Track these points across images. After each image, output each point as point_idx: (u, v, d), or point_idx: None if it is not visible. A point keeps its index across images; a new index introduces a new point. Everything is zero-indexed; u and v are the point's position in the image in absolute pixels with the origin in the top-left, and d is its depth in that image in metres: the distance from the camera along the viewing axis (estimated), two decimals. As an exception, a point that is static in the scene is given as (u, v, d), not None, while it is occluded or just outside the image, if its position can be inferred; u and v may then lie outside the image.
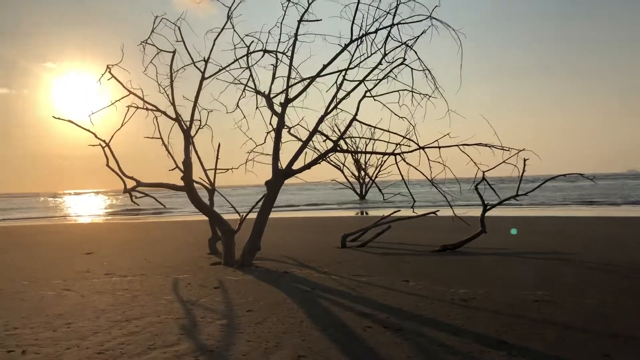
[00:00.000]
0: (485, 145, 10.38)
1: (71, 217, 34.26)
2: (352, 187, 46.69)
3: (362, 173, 46.00)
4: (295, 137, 11.44)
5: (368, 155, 46.27)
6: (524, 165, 10.73)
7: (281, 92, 10.77)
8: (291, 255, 10.31)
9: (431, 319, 5.36)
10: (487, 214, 11.00)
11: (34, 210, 47.05)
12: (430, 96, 10.62)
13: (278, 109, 10.41)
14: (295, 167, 10.13)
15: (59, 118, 10.46)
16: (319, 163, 11.45)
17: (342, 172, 45.68)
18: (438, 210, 12.70)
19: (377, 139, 11.62)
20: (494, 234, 11.33)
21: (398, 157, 10.30)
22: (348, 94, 10.55)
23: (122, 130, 11.78)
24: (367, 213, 29.08)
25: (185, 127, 10.62)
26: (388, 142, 10.76)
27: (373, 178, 45.62)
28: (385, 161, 40.16)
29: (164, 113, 10.86)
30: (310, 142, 11.22)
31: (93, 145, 10.67)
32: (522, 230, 13.79)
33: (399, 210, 13.74)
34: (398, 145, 10.40)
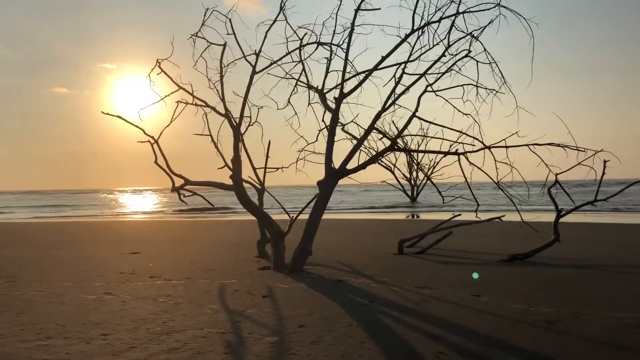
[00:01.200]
0: (559, 145, 9.41)
1: (123, 215, 34.77)
2: (403, 189, 45.58)
3: (415, 174, 44.87)
4: (350, 134, 10.77)
5: (421, 156, 45.17)
6: (604, 167, 9.67)
7: (335, 87, 10.12)
8: (344, 261, 9.62)
9: (513, 346, 4.54)
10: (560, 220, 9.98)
11: (90, 207, 48.32)
12: (497, 91, 9.72)
13: (332, 105, 9.75)
14: (348, 167, 9.45)
15: (107, 113, 10.18)
16: (376, 163, 10.71)
17: (393, 173, 44.68)
18: (504, 215, 11.73)
19: (439, 138, 10.73)
20: (567, 243, 10.27)
21: (461, 157, 9.45)
22: (407, 88, 9.77)
23: (172, 127, 11.41)
24: (418, 216, 28.07)
25: (234, 124, 10.11)
26: (449, 140, 9.93)
27: (427, 179, 44.34)
28: (437, 162, 38.87)
29: (214, 109, 10.40)
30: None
31: (142, 142, 10.31)
32: (601, 240, 12.56)
33: (459, 215, 12.82)
34: (462, 145, 9.54)
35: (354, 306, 6.06)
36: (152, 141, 10.12)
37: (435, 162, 41.26)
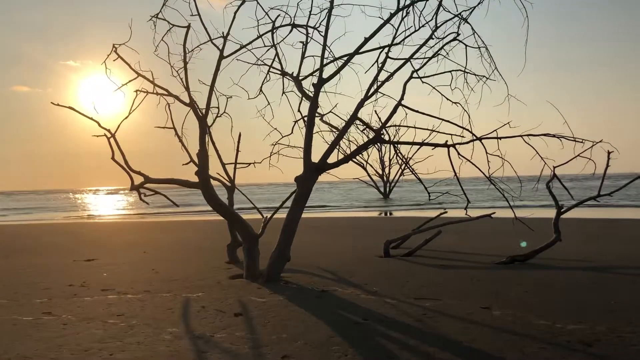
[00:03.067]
0: (554, 135, 8.59)
1: (86, 216, 32.99)
2: (375, 186, 44.88)
3: (388, 170, 44.21)
4: (330, 125, 9.75)
5: (392, 152, 44.47)
6: (608, 159, 8.90)
7: (312, 73, 9.10)
8: (326, 266, 8.58)
9: (556, 379, 3.59)
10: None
11: (52, 209, 46.13)
12: (488, 78, 8.88)
13: (310, 93, 8.72)
14: (329, 161, 8.43)
15: (57, 104, 8.93)
16: (360, 155, 9.72)
17: (366, 170, 43.94)
18: (494, 213, 10.89)
19: (427, 129, 9.78)
20: (567, 242, 9.43)
21: (451, 149, 8.55)
22: (392, 74, 8.80)
23: (133, 120, 10.21)
24: (391, 213, 27.28)
25: (200, 115, 8.97)
26: (438, 132, 9.01)
27: (398, 176, 43.74)
28: (410, 158, 38.17)
29: (177, 98, 9.22)
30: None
31: (97, 136, 9.08)
32: (603, 237, 11.82)
33: (446, 212, 11.95)
34: (450, 136, 8.63)
35: (345, 326, 5.03)
36: (109, 135, 8.91)
37: (407, 159, 40.62)
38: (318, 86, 8.61)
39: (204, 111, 9.03)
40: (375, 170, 44.91)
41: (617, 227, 14.49)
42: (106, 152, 8.86)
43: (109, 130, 8.86)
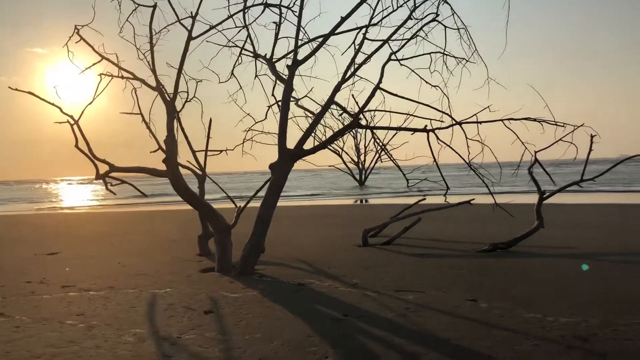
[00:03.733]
0: (535, 120, 8.35)
1: (53, 207, 31.97)
2: (351, 173, 44.66)
3: (363, 158, 44.02)
4: (306, 109, 9.36)
5: (368, 139, 44.25)
6: (591, 142, 8.70)
7: (287, 55, 8.69)
8: (303, 257, 8.22)
9: (554, 381, 3.29)
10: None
11: (17, 200, 44.72)
12: (467, 60, 8.60)
13: (284, 76, 8.31)
14: (305, 147, 8.06)
15: (15, 89, 8.34)
16: (335, 142, 9.35)
17: (341, 157, 43.66)
18: (473, 199, 10.66)
19: (405, 114, 9.44)
20: (549, 228, 9.21)
21: (430, 134, 8.26)
22: (369, 56, 8.42)
23: (100, 108, 9.69)
24: (367, 201, 27.07)
25: (168, 99, 8.48)
26: (417, 117, 8.69)
27: (374, 163, 43.62)
28: (387, 144, 37.94)
29: (143, 81, 8.73)
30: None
31: (60, 123, 8.51)
32: (585, 224, 11.68)
33: (424, 199, 11.68)
34: (430, 121, 8.33)
35: (324, 323, 4.67)
36: (72, 121, 8.35)
37: (382, 146, 40.38)
38: (292, 68, 8.20)
39: (172, 95, 8.55)
40: (351, 158, 44.69)
41: (600, 213, 14.34)
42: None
43: (71, 117, 8.31)
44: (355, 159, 44.78)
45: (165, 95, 8.60)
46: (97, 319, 5.07)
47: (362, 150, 44.70)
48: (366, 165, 44.78)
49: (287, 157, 7.81)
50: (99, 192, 49.54)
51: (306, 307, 5.23)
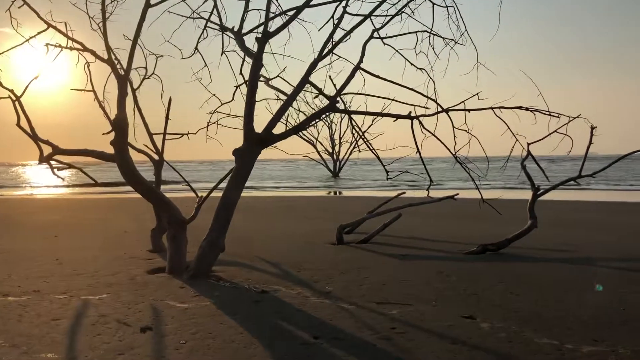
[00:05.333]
0: (527, 109, 7.55)
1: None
2: (325, 164, 43.78)
3: (338, 148, 43.16)
4: (277, 90, 8.33)
5: (343, 130, 43.38)
6: (591, 135, 7.90)
7: (257, 27, 7.70)
8: (270, 256, 7.23)
9: None
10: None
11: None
12: (456, 42, 7.78)
13: (253, 51, 7.32)
14: (275, 131, 7.09)
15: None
16: (312, 126, 8.38)
17: (315, 147, 42.72)
18: (457, 194, 9.83)
19: (388, 98, 8.48)
20: (541, 227, 8.36)
21: (414, 122, 7.40)
22: (349, 32, 7.48)
23: (53, 85, 8.58)
24: (341, 192, 26.22)
25: (121, 73, 7.38)
26: (399, 102, 7.78)
27: (349, 154, 42.78)
28: (366, 131, 37.08)
29: (94, 53, 7.56)
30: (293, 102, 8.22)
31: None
32: (586, 224, 10.88)
33: (404, 193, 10.80)
34: (414, 107, 7.45)
35: (290, 349, 3.70)
36: (13, 97, 7.20)
37: (357, 137, 39.53)
38: (262, 41, 7.17)
39: (125, 69, 7.45)
40: (325, 148, 43.81)
41: (598, 211, 13.57)
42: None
43: (12, 92, 7.16)
44: (330, 150, 43.92)
45: (117, 68, 7.50)
46: (3, 337, 4.00)
47: (337, 141, 43.90)
48: (341, 156, 43.98)
49: (254, 142, 6.81)
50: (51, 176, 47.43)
51: (268, 324, 4.25)
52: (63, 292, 5.36)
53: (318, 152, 42.92)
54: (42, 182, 36.66)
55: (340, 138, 43.76)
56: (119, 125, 7.13)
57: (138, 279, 5.91)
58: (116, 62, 7.53)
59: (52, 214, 13.43)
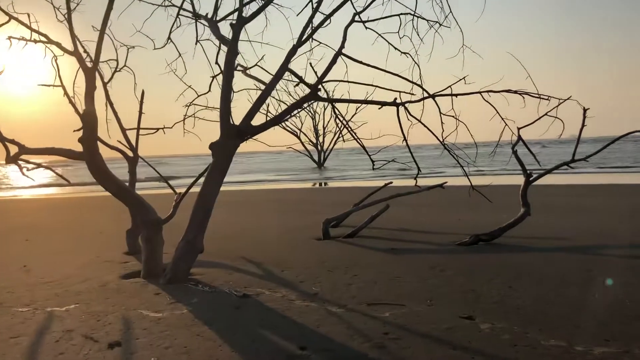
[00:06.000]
0: (516, 92, 7.26)
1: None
2: (309, 155, 43.39)
3: (322, 139, 42.79)
4: (256, 79, 7.92)
5: (327, 120, 42.99)
6: (584, 117, 7.61)
7: (232, 13, 7.31)
8: (253, 254, 6.85)
9: None
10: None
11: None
12: (440, 24, 7.47)
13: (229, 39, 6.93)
14: (254, 122, 6.70)
15: None
16: (294, 116, 8.01)
17: (299, 138, 42.30)
18: (446, 182, 9.52)
19: (371, 85, 8.09)
20: (534, 214, 8.06)
21: (400, 109, 7.07)
22: (329, 16, 7.09)
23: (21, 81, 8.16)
24: (326, 184, 25.85)
25: (88, 66, 6.90)
26: (377, 86, 7.41)
27: (333, 144, 42.45)
28: (350, 120, 36.66)
29: (59, 45, 7.07)
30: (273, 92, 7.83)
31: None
32: (580, 211, 10.54)
33: (391, 182, 10.47)
34: (399, 93, 7.11)
35: (273, 362, 3.34)
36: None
37: (341, 127, 39.11)
38: (237, 27, 6.76)
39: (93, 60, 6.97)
40: (309, 139, 43.41)
41: (592, 195, 13.17)
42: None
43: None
44: (314, 141, 43.52)
45: (85, 60, 7.01)
46: (-47, 359, 3.58)
47: (321, 132, 43.51)
48: (325, 146, 43.62)
49: (232, 135, 6.40)
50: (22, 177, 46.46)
51: (250, 334, 3.87)
52: (27, 304, 4.92)
53: (302, 143, 42.54)
54: (15, 182, 35.73)
55: (324, 128, 43.43)
56: (87, 121, 6.68)
57: (110, 286, 5.49)
58: (85, 54, 7.08)
59: (24, 216, 12.85)
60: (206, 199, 6.10)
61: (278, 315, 4.32)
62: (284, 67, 6.84)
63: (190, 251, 5.80)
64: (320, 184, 26.39)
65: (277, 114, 6.94)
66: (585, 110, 7.48)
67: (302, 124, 42.36)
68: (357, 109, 34.32)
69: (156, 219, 6.29)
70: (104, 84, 7.99)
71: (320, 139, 43.69)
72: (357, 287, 5.07)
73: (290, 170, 41.32)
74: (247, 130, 6.53)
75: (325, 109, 42.41)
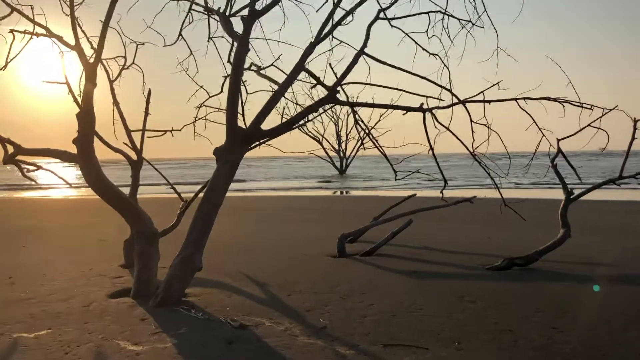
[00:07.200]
0: (556, 100, 6.51)
1: None
2: (331, 161, 42.75)
3: (345, 145, 42.16)
4: (271, 80, 7.28)
5: (350, 126, 42.26)
6: (634, 129, 6.78)
7: (244, 8, 6.75)
8: (258, 273, 6.17)
9: None
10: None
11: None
12: (473, 24, 6.88)
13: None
14: (265, 126, 6.09)
15: None
16: (310, 121, 7.30)
17: (321, 144, 41.71)
18: (475, 197, 8.76)
19: (395, 88, 7.36)
20: (575, 235, 7.20)
21: (427, 115, 6.39)
22: (350, 12, 6.49)
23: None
24: (348, 192, 25.09)
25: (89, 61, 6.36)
26: (402, 90, 6.72)
27: (355, 151, 41.73)
28: (373, 127, 35.99)
29: (60, 39, 6.53)
30: (288, 92, 7.27)
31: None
32: (629, 231, 9.51)
33: (415, 195, 9.72)
34: (426, 98, 6.43)
35: None
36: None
37: (364, 134, 38.39)
38: (249, 21, 6.17)
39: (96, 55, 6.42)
40: (332, 145, 42.78)
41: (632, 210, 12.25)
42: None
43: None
44: (337, 147, 42.89)
45: (85, 55, 6.47)
46: None
47: (344, 138, 42.84)
48: (347, 153, 42.95)
49: (238, 140, 5.78)
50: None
51: (239, 382, 3.19)
52: (-3, 327, 4.32)
53: (324, 149, 41.91)
54: (29, 182, 35.49)
55: (347, 134, 42.73)
56: (83, 121, 6.10)
57: (94, 307, 4.86)
58: (92, 51, 6.58)
59: (27, 219, 12.34)
60: (207, 210, 5.46)
61: (276, 356, 3.62)
62: (300, 67, 6.21)
63: (187, 270, 5.15)
64: (342, 192, 25.65)
65: (290, 117, 6.29)
66: (635, 121, 6.67)
67: (324, 130, 41.79)
68: (381, 116, 33.51)
69: (151, 232, 5.67)
70: (111, 82, 7.49)
71: (343, 145, 43.02)
72: (373, 321, 4.34)
73: (310, 176, 40.67)
74: (255, 135, 5.90)
75: (348, 115, 41.74)
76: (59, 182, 7.43)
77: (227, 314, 4.57)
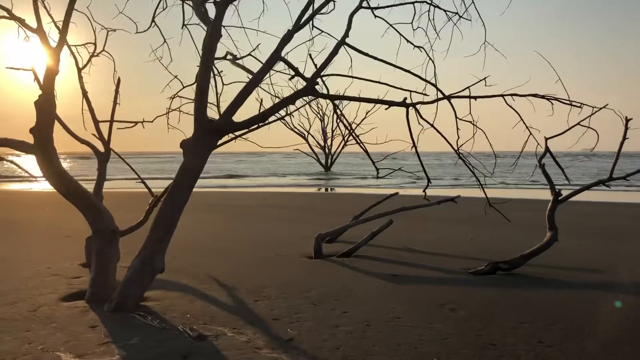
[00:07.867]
0: (544, 97, 6.23)
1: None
2: (317, 158, 42.35)
3: (330, 142, 41.81)
4: (247, 70, 6.90)
5: (335, 123, 41.89)
6: (626, 128, 6.52)
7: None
8: (223, 276, 5.77)
9: None
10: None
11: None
12: (460, 17, 6.60)
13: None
14: (237, 119, 5.71)
15: None
16: (289, 114, 6.93)
17: (307, 140, 41.28)
18: (458, 196, 8.44)
19: (378, 82, 7.01)
20: (563, 239, 6.88)
21: (410, 110, 6.08)
22: (330, -1, 6.10)
23: None
24: (333, 189, 24.72)
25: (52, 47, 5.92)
26: (386, 84, 6.37)
27: (340, 148, 41.42)
28: (357, 125, 35.77)
29: (22, 22, 6.08)
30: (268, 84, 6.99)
31: None
32: (619, 234, 9.18)
33: (397, 193, 9.39)
34: (409, 92, 6.10)
35: None
36: None
37: (348, 133, 38.09)
38: (222, 5, 5.75)
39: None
40: (317, 142, 42.39)
41: (631, 216, 11.71)
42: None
43: None
44: (322, 143, 42.49)
45: (49, 41, 6.02)
46: None
47: (330, 134, 42.47)
48: (333, 150, 42.59)
49: (207, 132, 5.38)
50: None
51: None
52: None
53: (309, 145, 41.51)
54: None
55: (333, 131, 42.36)
56: (41, 109, 5.65)
57: (41, 312, 4.44)
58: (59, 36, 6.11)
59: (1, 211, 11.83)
60: (171, 207, 5.06)
61: (235, 372, 3.24)
62: (277, 55, 5.82)
63: (146, 272, 4.74)
64: (326, 189, 25.27)
65: (265, 109, 5.90)
66: (627, 120, 6.39)
67: (310, 126, 41.37)
68: (367, 112, 33.20)
69: (111, 229, 5.25)
70: (79, 70, 7.03)
71: (329, 141, 42.65)
72: (345, 332, 3.97)
73: (295, 173, 40.23)
74: (226, 127, 5.49)
75: (333, 113, 41.41)
76: (32, 174, 6.98)
77: (187, 321, 4.18)
